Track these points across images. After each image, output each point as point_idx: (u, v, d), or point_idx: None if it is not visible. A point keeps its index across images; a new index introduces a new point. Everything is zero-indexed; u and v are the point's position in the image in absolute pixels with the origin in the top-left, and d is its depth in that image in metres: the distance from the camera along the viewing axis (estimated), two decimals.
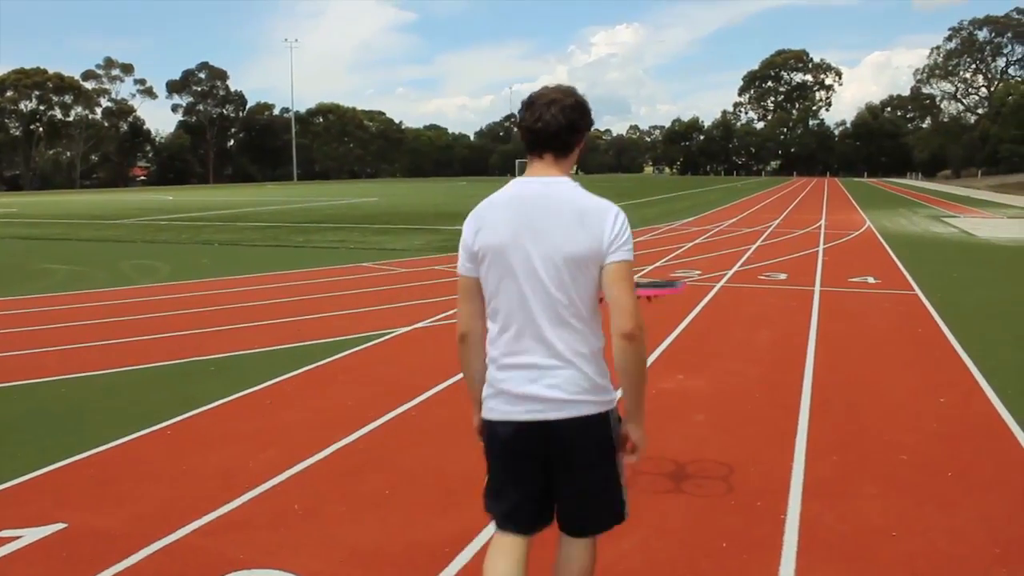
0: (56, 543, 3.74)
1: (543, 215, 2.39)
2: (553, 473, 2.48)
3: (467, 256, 2.49)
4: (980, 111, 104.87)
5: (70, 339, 8.14)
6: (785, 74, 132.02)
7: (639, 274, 3.72)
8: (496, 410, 2.48)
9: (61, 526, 3.90)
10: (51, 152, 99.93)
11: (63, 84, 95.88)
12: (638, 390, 2.49)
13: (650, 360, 7.05)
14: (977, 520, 3.90)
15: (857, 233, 19.95)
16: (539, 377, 2.41)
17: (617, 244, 2.37)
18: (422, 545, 3.69)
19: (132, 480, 4.49)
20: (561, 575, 2.63)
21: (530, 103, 2.45)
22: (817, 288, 11.11)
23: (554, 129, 2.41)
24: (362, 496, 4.25)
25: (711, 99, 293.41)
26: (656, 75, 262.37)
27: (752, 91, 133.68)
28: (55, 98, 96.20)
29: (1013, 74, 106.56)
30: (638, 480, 4.36)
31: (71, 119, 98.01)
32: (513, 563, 2.51)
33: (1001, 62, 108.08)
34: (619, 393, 2.52)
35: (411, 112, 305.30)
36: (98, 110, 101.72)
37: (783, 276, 12.29)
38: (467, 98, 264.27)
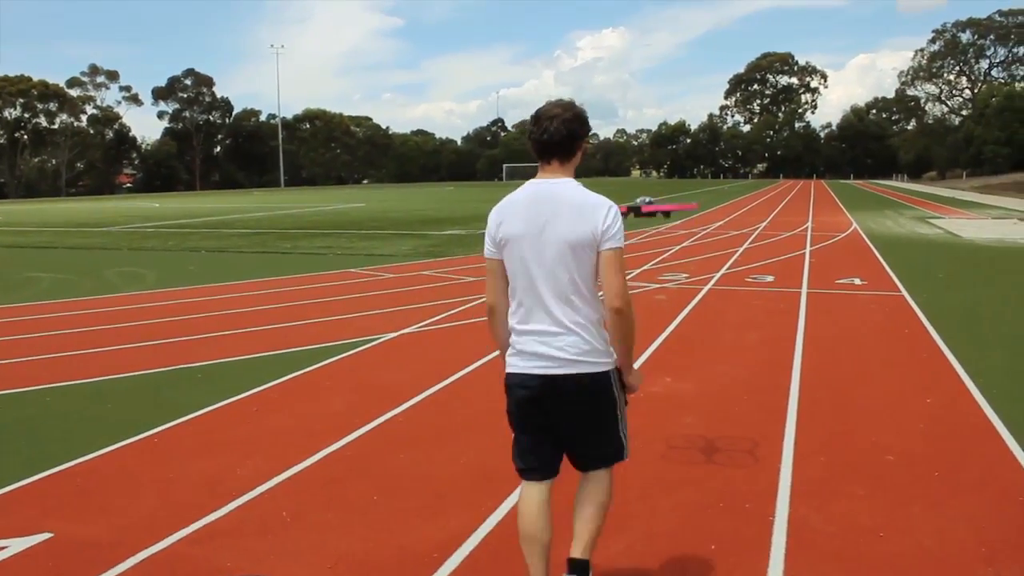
0: (42, 553, 3.71)
1: (551, 210, 2.87)
2: (558, 423, 2.99)
3: (491, 242, 3.01)
4: (964, 113, 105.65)
5: (55, 348, 8.09)
6: (771, 77, 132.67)
7: (656, 199, 4.22)
8: (514, 366, 3.00)
9: (47, 536, 3.87)
10: (36, 160, 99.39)
11: (48, 91, 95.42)
12: (628, 349, 3.02)
13: (638, 363, 7.05)
14: (963, 520, 3.92)
15: (843, 235, 20.05)
16: (548, 341, 2.91)
17: (609, 234, 2.85)
18: (410, 551, 3.68)
19: (118, 489, 4.47)
20: (577, 506, 3.08)
21: (537, 118, 2.96)
22: (804, 290, 11.15)
23: (558, 139, 2.91)
24: (350, 503, 4.24)
25: (697, 102, 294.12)
26: (642, 79, 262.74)
27: (738, 94, 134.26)
28: (40, 105, 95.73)
29: (996, 76, 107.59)
30: (627, 484, 4.37)
31: (56, 127, 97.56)
32: (536, 505, 3.01)
33: (984, 64, 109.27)
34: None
35: (398, 117, 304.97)
36: (83, 117, 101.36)
37: (770, 278, 12.33)
38: (454, 103, 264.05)
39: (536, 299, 2.91)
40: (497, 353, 3.18)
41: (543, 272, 2.88)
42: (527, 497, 3.04)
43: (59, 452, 5.01)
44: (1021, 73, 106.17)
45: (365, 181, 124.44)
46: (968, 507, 4.07)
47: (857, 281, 11.90)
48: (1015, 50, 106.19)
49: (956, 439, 5.12)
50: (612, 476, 3.11)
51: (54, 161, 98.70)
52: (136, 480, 4.59)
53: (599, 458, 3.07)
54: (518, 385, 2.98)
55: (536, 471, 3.04)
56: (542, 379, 2.91)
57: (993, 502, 4.14)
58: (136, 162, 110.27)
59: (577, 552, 3.02)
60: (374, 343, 8.06)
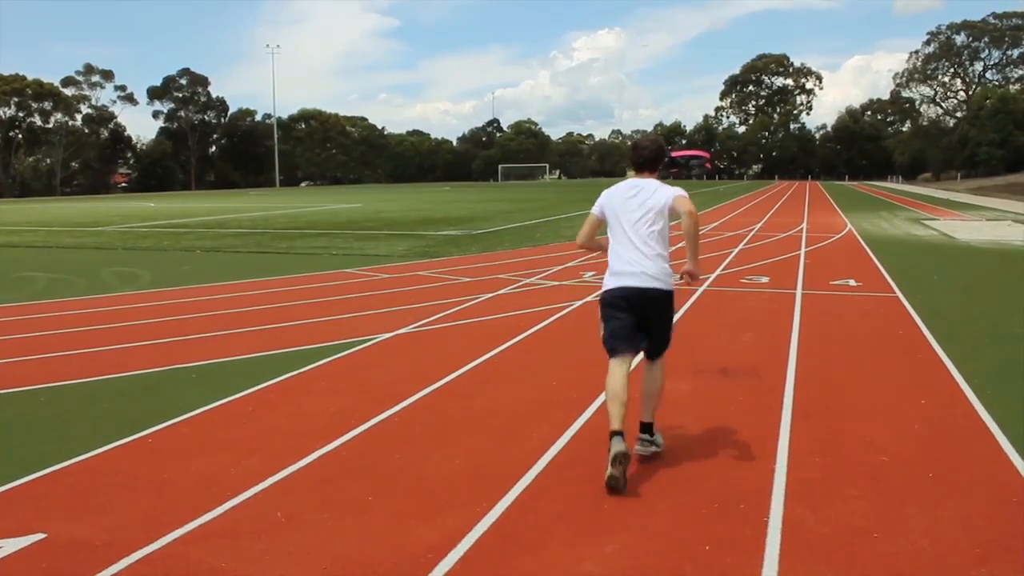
0: (36, 553, 3.70)
1: (644, 192, 4.82)
2: (641, 317, 4.75)
3: (599, 208, 4.97)
4: (959, 114, 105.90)
5: (50, 347, 8.07)
6: (766, 78, 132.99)
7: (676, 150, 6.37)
8: (612, 285, 4.79)
9: (41, 536, 3.86)
10: (31, 159, 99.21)
11: (42, 90, 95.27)
12: (694, 246, 4.88)
13: (633, 363, 7.04)
14: (958, 521, 3.93)
15: (838, 236, 20.08)
16: (637, 266, 4.71)
17: (677, 192, 4.79)
18: (405, 552, 3.68)
19: (113, 489, 4.46)
20: (646, 385, 4.95)
21: (635, 147, 4.99)
22: (799, 291, 11.17)
23: (647, 160, 4.94)
24: (345, 503, 4.24)
25: (693, 103, 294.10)
26: (638, 80, 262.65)
27: (734, 95, 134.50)
28: (34, 105, 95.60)
29: (990, 78, 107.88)
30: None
31: (51, 126, 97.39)
32: (619, 376, 4.64)
33: (979, 66, 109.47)
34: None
35: (394, 118, 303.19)
36: (78, 117, 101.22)
37: (765, 279, 12.35)
38: (450, 103, 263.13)
39: (628, 242, 4.75)
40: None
41: (633, 226, 4.76)
42: (614, 371, 4.65)
43: (53, 452, 5.00)
44: (1015, 75, 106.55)
45: (306, 180, 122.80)
46: (962, 508, 4.08)
47: (852, 282, 11.93)
48: (1009, 52, 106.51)
49: (950, 440, 5.14)
50: (664, 365, 4.98)
51: (49, 160, 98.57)
52: (131, 480, 4.59)
53: (660, 346, 4.90)
54: (617, 294, 4.74)
55: (623, 347, 4.71)
56: (635, 290, 4.68)
57: (987, 503, 4.15)
58: (131, 162, 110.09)
59: (645, 417, 4.85)
60: (370, 343, 8.06)
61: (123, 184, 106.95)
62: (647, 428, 4.82)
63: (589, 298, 10.57)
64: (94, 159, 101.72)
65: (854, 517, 3.98)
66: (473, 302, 10.43)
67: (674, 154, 5.85)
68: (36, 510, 4.18)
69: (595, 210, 4.98)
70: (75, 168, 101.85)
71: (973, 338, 8.11)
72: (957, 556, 3.59)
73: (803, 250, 16.75)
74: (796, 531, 3.83)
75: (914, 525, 3.89)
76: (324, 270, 14.08)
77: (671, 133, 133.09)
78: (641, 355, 4.94)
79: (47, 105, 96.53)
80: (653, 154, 4.92)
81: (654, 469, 4.67)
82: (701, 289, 11.32)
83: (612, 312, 4.75)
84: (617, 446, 4.30)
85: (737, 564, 3.54)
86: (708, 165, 6.31)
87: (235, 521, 4.03)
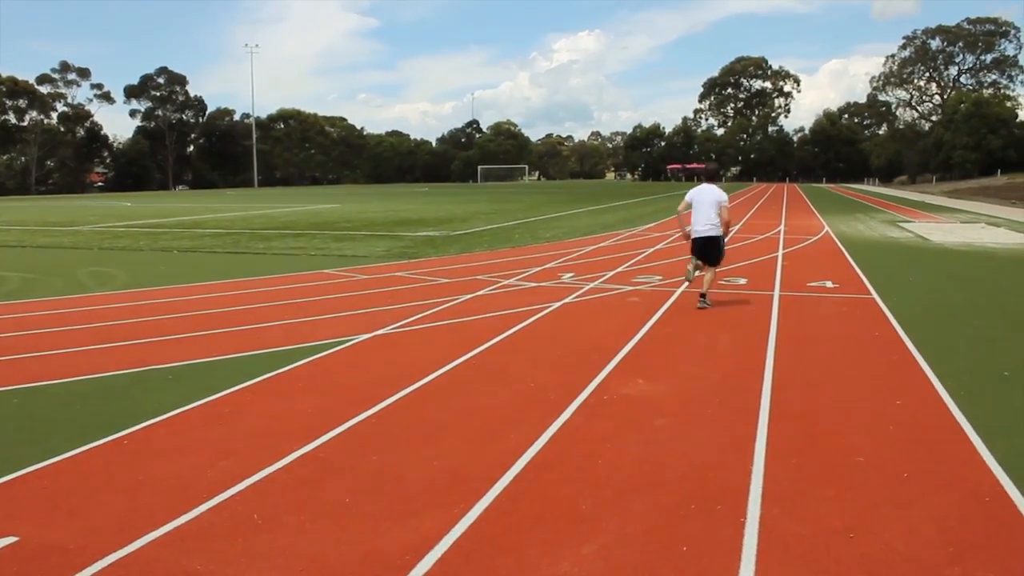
0: (8, 557, 3.65)
1: (709, 192, 10.17)
2: (702, 248, 10.17)
3: (689, 197, 10.27)
4: (934, 118, 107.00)
5: (23, 348, 7.98)
6: (745, 81, 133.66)
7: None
8: (693, 235, 10.22)
9: (13, 540, 3.82)
10: (5, 157, 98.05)
11: (17, 88, 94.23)
12: (727, 229, 10.27)
13: (611, 365, 7.08)
14: (931, 520, 3.97)
15: (815, 238, 20.23)
16: (705, 225, 10.07)
17: (726, 201, 10.18)
18: (381, 554, 3.67)
19: (87, 491, 4.41)
20: (705, 277, 10.17)
21: (706, 170, 11.27)
22: (776, 293, 11.24)
23: (710, 176, 10.79)
24: (321, 505, 4.22)
25: (672, 106, 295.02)
26: (618, 82, 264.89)
27: (712, 98, 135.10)
28: (8, 102, 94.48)
29: (965, 82, 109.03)
30: (600, 485, 4.38)
31: (26, 124, 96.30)
32: (692, 261, 10.37)
33: (953, 71, 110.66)
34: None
35: (373, 118, 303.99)
36: (54, 115, 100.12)
37: (743, 281, 12.42)
38: (429, 104, 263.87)
39: (702, 215, 10.04)
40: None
41: (704, 209, 10.04)
42: (691, 261, 10.33)
43: (26, 454, 4.95)
44: (989, 80, 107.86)
45: (181, 184, 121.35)
46: (936, 508, 4.12)
47: (829, 284, 12.02)
48: (983, 57, 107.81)
49: (925, 441, 5.18)
50: (714, 271, 10.26)
51: (23, 159, 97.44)
52: (105, 482, 4.54)
53: (711, 261, 10.16)
54: (695, 241, 10.12)
55: (694, 256, 10.25)
56: (701, 238, 10.09)
57: (960, 503, 4.19)
58: (108, 161, 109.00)
59: (703, 289, 10.07)
60: (347, 344, 8.03)
61: (99, 183, 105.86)
62: (703, 296, 9.93)
63: (568, 299, 10.58)
64: (70, 158, 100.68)
65: (830, 517, 4.01)
66: (452, 303, 10.42)
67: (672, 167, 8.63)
68: (8, 513, 4.13)
69: (687, 198, 10.14)
70: (50, 167, 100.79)
71: (947, 339, 8.19)
72: (931, 555, 3.62)
73: (781, 252, 16.85)
74: (773, 532, 3.85)
75: (889, 525, 3.92)
76: (302, 271, 14.01)
77: (650, 135, 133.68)
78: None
79: (22, 103, 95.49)
80: (714, 173, 10.83)
81: (632, 470, 4.68)
82: (679, 291, 11.37)
83: (693, 245, 10.11)
84: (689, 276, 10.32)
85: (714, 565, 3.55)
86: (681, 174, 10.59)
87: (211, 523, 4.00)
